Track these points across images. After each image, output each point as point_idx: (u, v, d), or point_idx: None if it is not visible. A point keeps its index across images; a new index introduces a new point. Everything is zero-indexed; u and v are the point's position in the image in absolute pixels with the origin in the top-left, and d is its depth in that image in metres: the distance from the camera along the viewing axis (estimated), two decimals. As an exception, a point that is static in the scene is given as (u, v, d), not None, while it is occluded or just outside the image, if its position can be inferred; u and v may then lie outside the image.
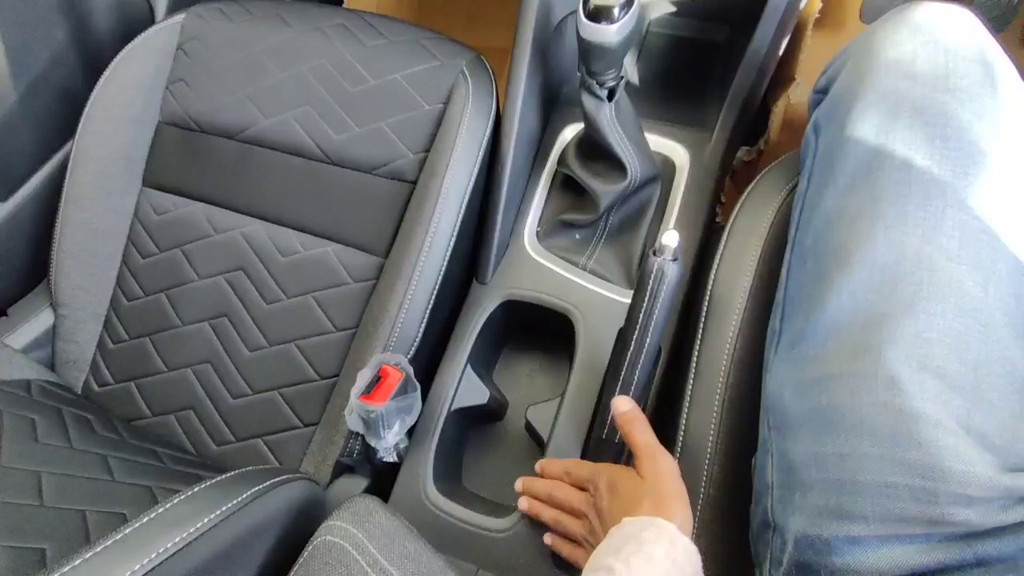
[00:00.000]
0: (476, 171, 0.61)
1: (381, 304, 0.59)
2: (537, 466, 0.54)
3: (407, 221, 0.62)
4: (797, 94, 0.88)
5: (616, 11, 0.47)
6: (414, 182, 0.63)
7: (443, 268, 0.60)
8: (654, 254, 0.46)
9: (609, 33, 0.47)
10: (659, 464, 0.44)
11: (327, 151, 0.66)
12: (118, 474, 0.49)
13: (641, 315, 0.47)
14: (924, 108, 0.39)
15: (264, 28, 0.70)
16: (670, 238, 0.45)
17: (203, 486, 0.36)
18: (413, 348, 0.58)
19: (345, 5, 1.13)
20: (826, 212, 0.42)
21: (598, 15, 0.47)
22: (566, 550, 0.49)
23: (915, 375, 0.35)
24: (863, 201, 0.39)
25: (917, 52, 0.40)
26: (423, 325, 0.58)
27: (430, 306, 0.59)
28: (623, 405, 0.48)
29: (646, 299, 0.46)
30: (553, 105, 0.72)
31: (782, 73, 0.90)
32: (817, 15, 0.86)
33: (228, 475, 0.38)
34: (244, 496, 0.36)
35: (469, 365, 0.61)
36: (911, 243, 0.37)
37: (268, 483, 0.39)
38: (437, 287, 0.59)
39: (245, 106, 0.69)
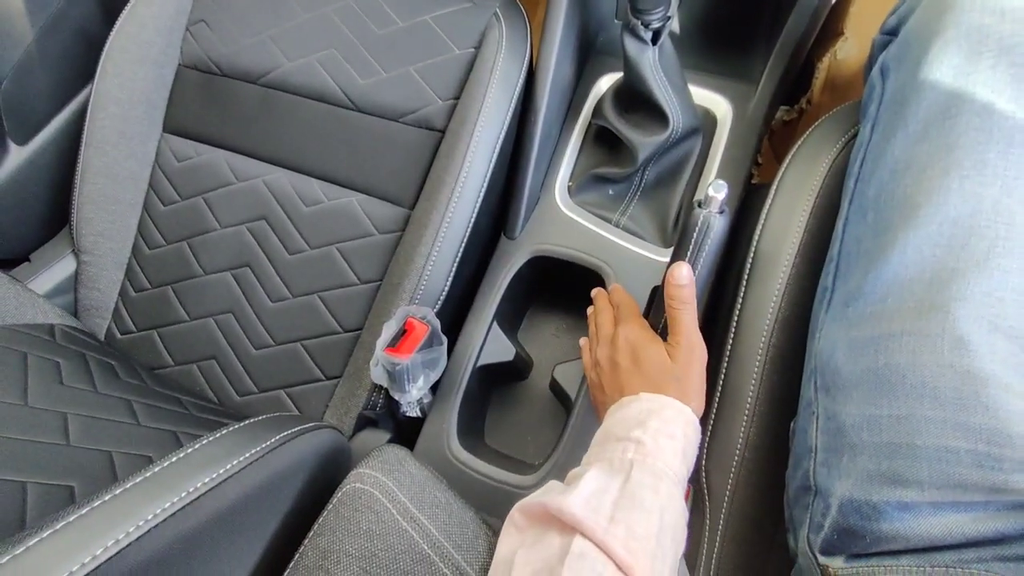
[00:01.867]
0: (508, 120, 0.58)
1: (407, 256, 0.58)
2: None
3: (435, 171, 0.60)
4: (845, 50, 0.83)
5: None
6: (443, 130, 0.61)
7: (472, 221, 0.58)
8: (699, 206, 0.43)
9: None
10: (695, 357, 0.44)
11: (352, 96, 0.63)
12: (143, 418, 0.49)
13: (683, 270, 0.44)
14: (1012, 47, 0.35)
15: (288, -33, 0.67)
16: (717, 189, 0.42)
17: (231, 429, 0.35)
18: (439, 302, 0.57)
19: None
20: (893, 161, 0.39)
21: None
22: (585, 356, 0.51)
23: (986, 336, 0.33)
24: (937, 149, 0.36)
25: None
26: (450, 279, 0.57)
27: (457, 259, 0.57)
28: (681, 276, 0.44)
29: (689, 253, 0.44)
30: (588, 55, 0.68)
31: (829, 27, 0.85)
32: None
33: (256, 420, 0.38)
34: (272, 441, 0.35)
35: (495, 322, 0.59)
36: (989, 194, 0.34)
37: (296, 429, 0.38)
38: (465, 240, 0.57)
39: (267, 48, 0.66)
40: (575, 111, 0.65)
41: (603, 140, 0.64)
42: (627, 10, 0.50)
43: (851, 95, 0.86)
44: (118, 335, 0.67)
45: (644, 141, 0.56)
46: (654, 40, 0.51)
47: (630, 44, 0.52)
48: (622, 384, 0.44)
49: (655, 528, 0.36)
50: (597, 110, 0.62)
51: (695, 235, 0.43)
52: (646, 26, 0.50)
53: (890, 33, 0.44)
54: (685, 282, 0.44)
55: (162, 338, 0.65)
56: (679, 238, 0.45)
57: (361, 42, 0.63)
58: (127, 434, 0.45)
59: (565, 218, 0.61)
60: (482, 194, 0.58)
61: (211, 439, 0.34)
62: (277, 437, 0.36)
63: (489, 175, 0.58)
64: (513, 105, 0.58)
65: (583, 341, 0.52)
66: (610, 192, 0.62)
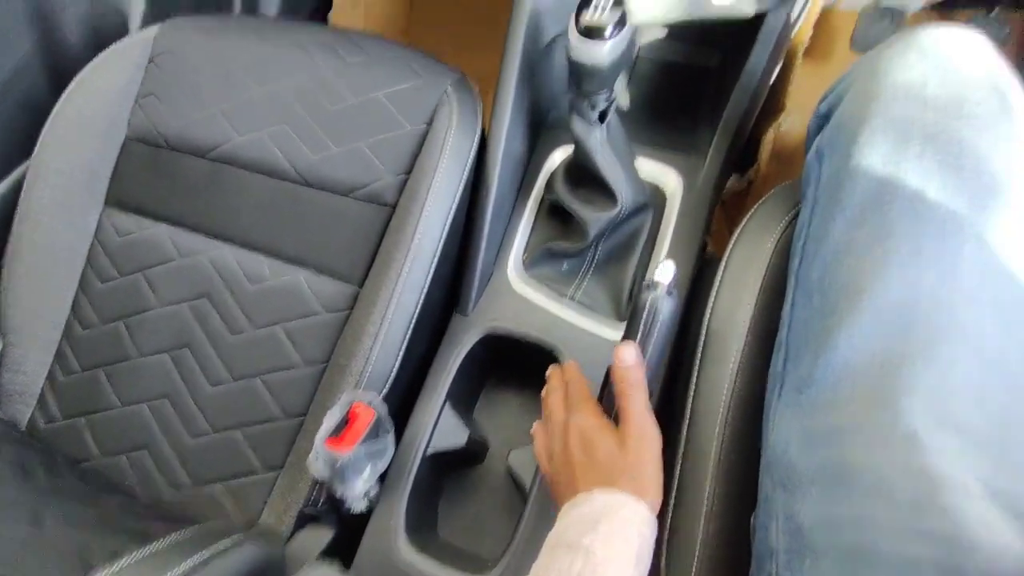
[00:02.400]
0: (459, 195, 0.58)
1: (355, 336, 0.55)
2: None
3: (385, 247, 0.58)
4: (787, 123, 0.87)
5: (609, 29, 0.44)
6: (394, 205, 0.60)
7: (422, 297, 0.56)
8: (647, 288, 0.43)
9: (601, 53, 0.45)
10: (645, 445, 0.41)
11: (302, 171, 0.62)
12: (51, 527, 0.44)
13: (633, 354, 0.43)
14: (936, 135, 0.36)
15: (242, 43, 0.67)
16: (664, 272, 0.42)
17: (130, 560, 0.31)
18: (387, 384, 0.54)
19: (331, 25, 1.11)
20: (834, 245, 0.39)
21: (590, 33, 0.45)
22: (538, 444, 0.48)
23: (935, 432, 0.32)
24: (874, 234, 0.37)
25: (928, 76, 0.38)
26: (399, 359, 0.54)
27: (407, 338, 0.55)
28: (628, 357, 0.42)
29: (638, 337, 0.43)
30: (540, 129, 0.69)
31: (772, 102, 0.89)
32: (807, 43, 0.86)
33: (163, 543, 0.34)
34: (183, 567, 0.31)
35: (447, 404, 0.57)
36: (926, 281, 0.35)
37: (210, 554, 0.34)
38: (415, 318, 0.55)
39: (218, 123, 0.65)
40: (528, 185, 0.65)
41: (556, 214, 0.64)
42: (573, 91, 0.50)
43: (797, 164, 0.89)
44: (41, 424, 0.62)
45: (594, 217, 0.56)
46: (601, 119, 0.52)
47: (577, 124, 0.52)
48: (576, 479, 0.42)
49: None
50: (549, 185, 0.62)
51: (644, 318, 0.42)
52: (592, 107, 0.51)
53: (823, 117, 0.46)
54: (632, 363, 0.42)
55: (90, 426, 0.61)
56: (629, 320, 0.44)
57: (313, 117, 0.63)
58: (24, 550, 0.40)
59: (519, 294, 0.60)
60: (432, 269, 0.56)
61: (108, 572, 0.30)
62: (186, 565, 0.32)
63: (440, 250, 0.57)
64: (464, 180, 0.58)
65: (536, 427, 0.50)
66: (564, 267, 0.61)
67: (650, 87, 0.72)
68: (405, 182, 0.60)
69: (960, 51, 0.38)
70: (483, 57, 1.05)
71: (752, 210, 0.51)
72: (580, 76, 0.48)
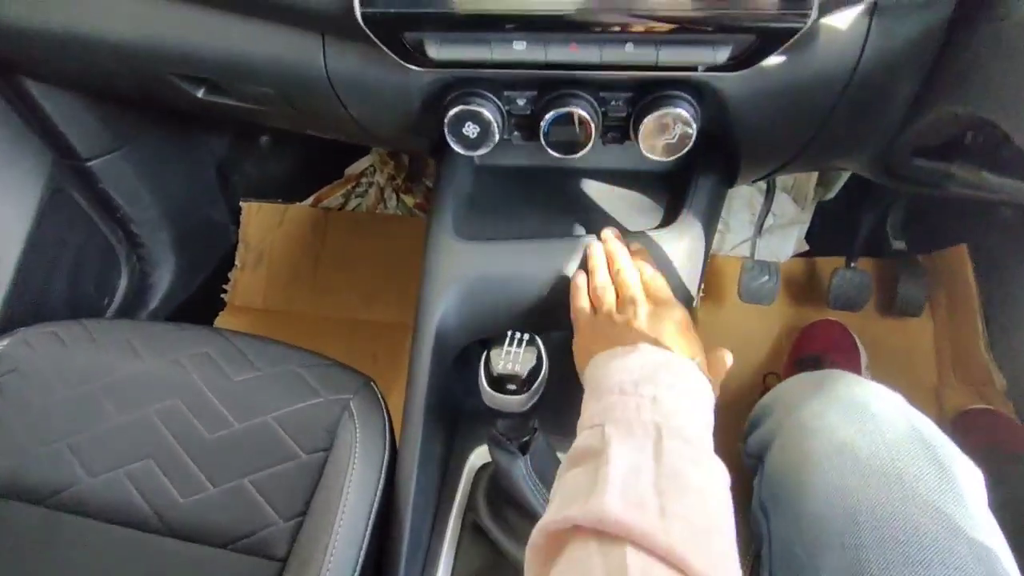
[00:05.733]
0: (367, 539, 0.48)
1: None
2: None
3: (270, 621, 0.46)
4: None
5: (524, 376, 0.41)
6: (284, 559, 0.49)
7: None
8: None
9: (516, 403, 0.41)
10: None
11: (168, 519, 0.51)
12: None
13: None
14: (888, 518, 0.33)
15: (108, 359, 0.59)
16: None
17: None
18: None
19: (229, 300, 1.06)
20: None
21: (502, 382, 0.41)
22: (580, 298, 0.47)
23: None
24: None
25: (856, 439, 0.36)
26: None
27: None
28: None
29: None
30: (457, 422, 0.63)
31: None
32: (700, 294, 0.92)
33: None
34: None
35: None
36: None
37: None
38: None
39: (64, 460, 0.54)
40: (448, 497, 0.57)
41: (483, 533, 0.55)
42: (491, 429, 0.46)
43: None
44: None
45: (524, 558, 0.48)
46: (524, 450, 0.47)
47: (499, 455, 0.47)
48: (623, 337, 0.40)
49: (714, 511, 0.29)
50: (472, 503, 0.54)
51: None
52: (512, 439, 0.46)
53: (754, 456, 0.43)
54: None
55: None
56: None
57: (186, 449, 0.53)
58: None
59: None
60: None
61: None
62: None
63: (342, 621, 0.45)
64: (372, 521, 0.49)
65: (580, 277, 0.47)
66: (499, 606, 0.51)
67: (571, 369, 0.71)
68: (299, 527, 0.50)
69: (880, 410, 0.37)
70: (389, 306, 1.04)
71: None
72: (496, 416, 0.43)
